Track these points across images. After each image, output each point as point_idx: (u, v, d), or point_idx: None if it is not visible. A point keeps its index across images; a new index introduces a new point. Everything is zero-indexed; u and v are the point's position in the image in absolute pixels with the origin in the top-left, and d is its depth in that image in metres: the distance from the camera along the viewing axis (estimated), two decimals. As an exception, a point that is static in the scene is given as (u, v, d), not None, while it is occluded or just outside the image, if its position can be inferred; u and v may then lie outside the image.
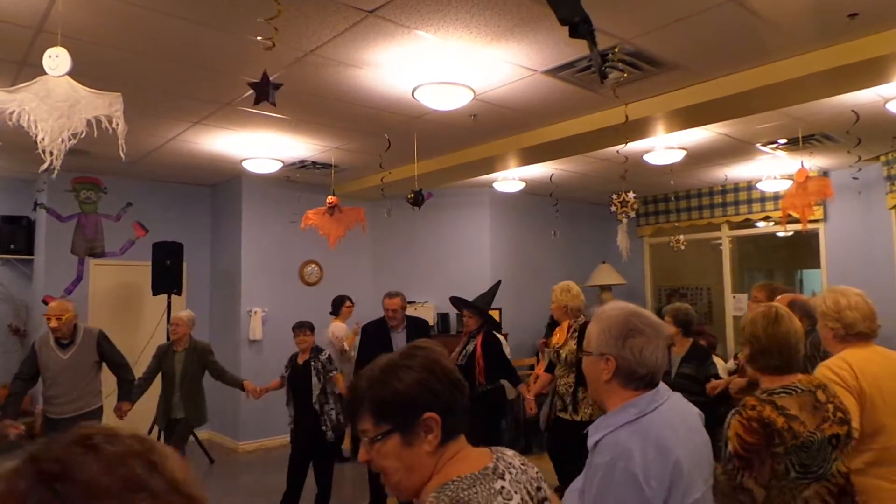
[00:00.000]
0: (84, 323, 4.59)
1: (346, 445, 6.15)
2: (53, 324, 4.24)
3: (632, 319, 1.60)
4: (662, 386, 1.61)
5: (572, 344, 4.34)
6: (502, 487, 1.17)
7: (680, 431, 1.53)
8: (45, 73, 2.59)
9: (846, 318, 2.46)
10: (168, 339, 5.16)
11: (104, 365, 4.56)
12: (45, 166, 2.52)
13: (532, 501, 1.23)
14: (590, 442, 1.55)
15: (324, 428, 4.51)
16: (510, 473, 1.22)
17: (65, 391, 4.29)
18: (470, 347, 4.77)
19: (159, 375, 5.00)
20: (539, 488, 1.29)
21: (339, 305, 6.64)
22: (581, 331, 4.28)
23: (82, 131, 2.52)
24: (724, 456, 1.97)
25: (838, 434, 1.94)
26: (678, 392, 1.76)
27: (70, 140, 2.47)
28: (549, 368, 4.75)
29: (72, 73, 2.62)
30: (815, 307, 2.61)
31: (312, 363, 4.73)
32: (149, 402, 5.20)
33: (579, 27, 2.03)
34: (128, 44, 3.51)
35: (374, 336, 4.97)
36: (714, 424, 2.04)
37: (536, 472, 1.31)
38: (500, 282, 5.78)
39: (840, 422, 1.97)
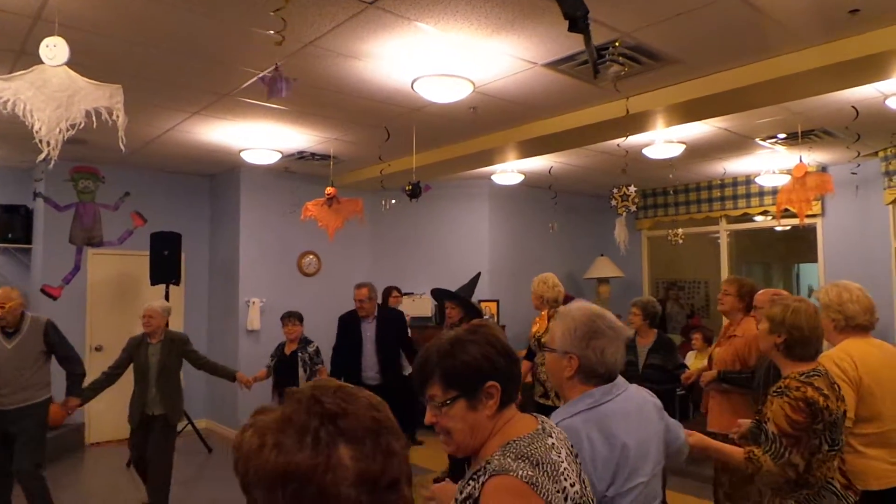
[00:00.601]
0: (32, 312, 4.42)
1: None
2: None
3: (596, 321, 1.72)
4: (620, 379, 1.75)
5: None
6: (553, 444, 1.36)
7: (632, 421, 1.68)
8: (42, 63, 2.58)
9: (848, 311, 2.64)
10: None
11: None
12: (42, 156, 2.52)
13: (571, 454, 1.42)
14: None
15: None
16: (555, 433, 1.41)
17: (8, 381, 4.11)
18: None
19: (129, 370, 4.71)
20: (572, 444, 1.48)
21: (386, 296, 6.64)
22: None
23: (81, 122, 2.51)
24: (763, 438, 2.15)
25: (844, 410, 2.20)
26: (647, 381, 1.83)
27: (68, 131, 2.46)
28: (530, 356, 4.88)
29: (69, 63, 2.61)
30: (818, 299, 2.75)
31: (299, 354, 4.74)
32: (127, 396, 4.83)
33: (580, 22, 2.03)
34: (126, 33, 3.50)
35: (347, 326, 5.23)
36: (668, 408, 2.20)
37: (564, 433, 1.51)
38: (479, 273, 5.90)
39: (843, 399, 2.21)
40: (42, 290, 6.45)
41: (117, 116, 2.58)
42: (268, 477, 0.77)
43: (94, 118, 2.57)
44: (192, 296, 7.63)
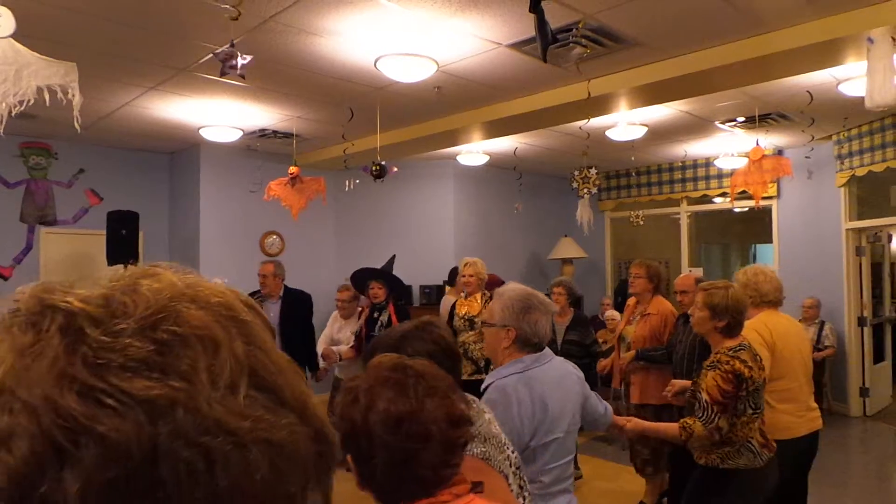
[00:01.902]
0: None
1: None
2: None
3: (530, 298, 2.00)
4: (548, 350, 2.04)
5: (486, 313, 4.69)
6: (489, 418, 1.50)
7: (554, 385, 1.97)
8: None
9: (762, 289, 3.12)
10: None
11: None
12: (-11, 131, 2.42)
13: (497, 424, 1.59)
14: (483, 385, 2.00)
15: None
16: (486, 408, 1.57)
17: None
18: (385, 318, 4.88)
19: None
20: (501, 404, 1.76)
21: (453, 276, 6.50)
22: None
23: (31, 99, 2.41)
24: (696, 407, 2.48)
25: (765, 378, 2.57)
26: (567, 356, 2.36)
27: (17, 107, 2.37)
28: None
29: (15, 35, 2.50)
30: (737, 279, 3.19)
31: None
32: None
33: (538, 4, 2.02)
34: (77, 4, 3.36)
35: None
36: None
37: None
38: (394, 256, 5.91)
39: (762, 368, 2.58)
40: (-8, 271, 6.24)
41: (73, 96, 2.49)
42: (388, 421, 1.06)
43: (46, 96, 2.47)
44: (151, 276, 7.47)
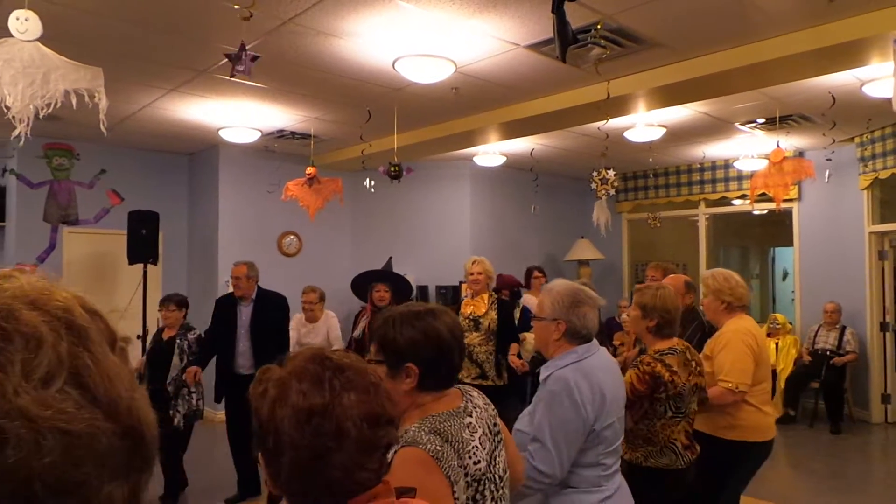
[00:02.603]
0: None
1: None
2: None
3: (578, 293, 2.09)
4: (594, 341, 2.14)
5: (493, 314, 4.67)
6: (469, 423, 1.49)
7: (606, 373, 2.08)
8: (11, 36, 2.52)
9: (737, 293, 3.11)
10: (144, 309, 4.84)
11: None
12: (16, 132, 2.47)
13: (490, 434, 1.55)
14: (542, 376, 2.07)
15: (172, 412, 4.19)
16: (476, 411, 1.54)
17: None
18: None
19: None
20: (495, 423, 1.61)
21: (528, 277, 6.42)
22: (500, 303, 4.77)
23: (58, 101, 2.46)
24: None
25: (698, 383, 2.61)
26: None
27: (45, 109, 2.41)
28: None
29: (41, 38, 2.55)
30: (707, 285, 3.19)
31: (178, 340, 4.36)
32: None
33: (561, 5, 2.02)
34: (100, 7, 3.41)
35: (222, 309, 4.68)
36: None
37: (493, 410, 1.63)
38: (391, 258, 5.85)
39: (699, 374, 2.63)
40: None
41: (99, 100, 2.53)
42: (296, 416, 0.97)
43: (73, 99, 2.51)
44: (170, 275, 7.55)
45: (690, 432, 2.60)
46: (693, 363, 2.60)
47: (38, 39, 2.55)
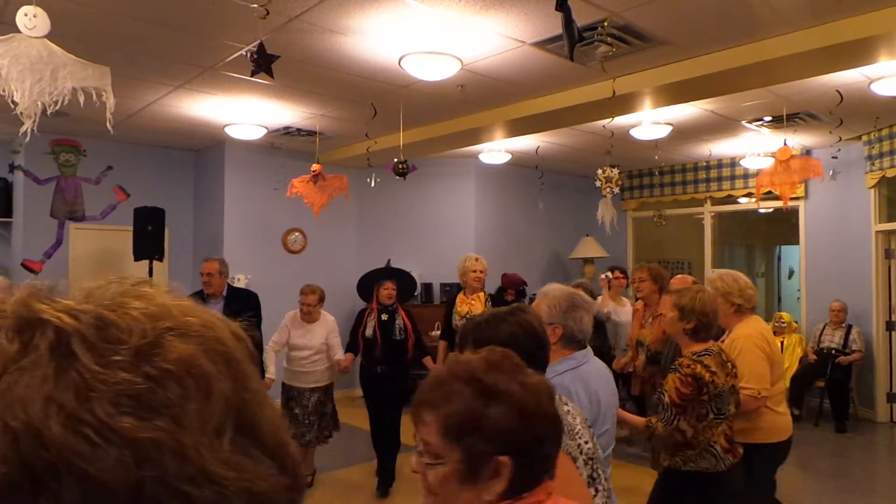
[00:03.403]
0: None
1: None
2: None
3: (574, 297, 2.09)
4: (588, 347, 2.15)
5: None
6: (568, 410, 1.58)
7: (602, 380, 2.09)
8: (19, 32, 2.52)
9: (746, 295, 3.06)
10: None
11: None
12: (24, 128, 2.48)
13: (586, 421, 1.65)
14: None
15: None
16: (570, 404, 1.64)
17: None
18: (400, 322, 4.77)
19: None
20: (585, 418, 1.67)
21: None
22: (493, 300, 4.85)
23: (66, 98, 2.46)
24: (660, 408, 2.53)
25: (734, 385, 2.57)
26: None
27: (52, 106, 2.42)
28: (445, 335, 4.89)
29: (49, 35, 2.55)
30: (715, 287, 3.09)
31: None
32: None
33: (565, 2, 2.01)
34: (107, 3, 3.42)
35: None
36: None
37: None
38: (389, 260, 5.90)
39: (734, 375, 2.59)
40: (23, 265, 6.38)
41: (106, 98, 2.54)
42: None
43: (81, 97, 2.52)
44: (175, 272, 7.57)
45: (731, 435, 2.57)
46: (729, 364, 2.57)
47: (45, 36, 2.56)
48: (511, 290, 6.27)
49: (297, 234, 7.63)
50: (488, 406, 1.03)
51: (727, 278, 3.11)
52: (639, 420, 2.68)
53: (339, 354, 4.85)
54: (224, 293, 4.43)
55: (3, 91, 2.48)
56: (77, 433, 0.33)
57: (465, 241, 7.86)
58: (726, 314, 3.06)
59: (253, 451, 0.38)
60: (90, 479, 0.32)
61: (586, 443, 1.54)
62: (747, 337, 2.95)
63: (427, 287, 7.74)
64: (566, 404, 1.58)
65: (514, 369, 1.11)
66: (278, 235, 7.51)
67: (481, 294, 4.87)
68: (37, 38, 2.53)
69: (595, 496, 1.54)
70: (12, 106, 2.49)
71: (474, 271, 4.81)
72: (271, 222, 7.41)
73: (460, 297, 4.92)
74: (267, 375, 4.58)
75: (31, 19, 2.53)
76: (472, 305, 4.81)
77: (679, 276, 4.24)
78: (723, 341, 3.08)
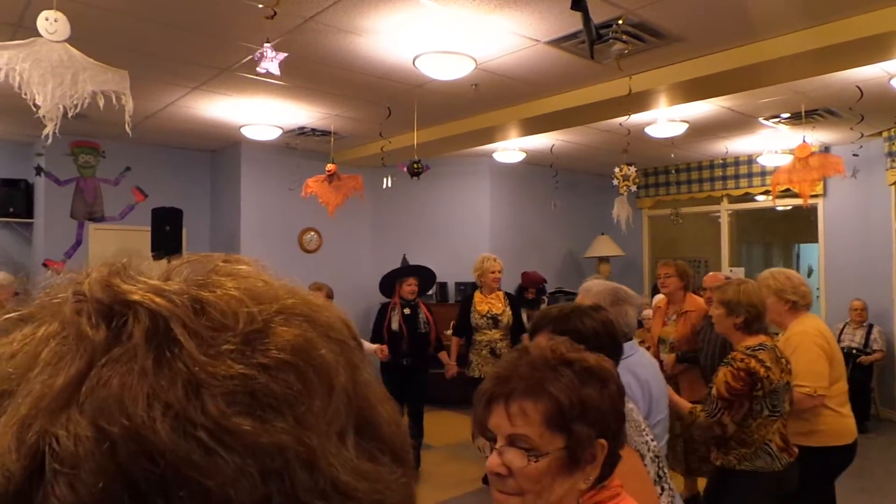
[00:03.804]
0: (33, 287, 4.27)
1: None
2: None
3: (618, 291, 2.12)
4: (634, 339, 2.16)
5: (508, 311, 4.94)
6: (632, 408, 1.57)
7: (651, 369, 2.09)
8: (40, 36, 2.56)
9: (801, 291, 2.98)
10: None
11: None
12: (46, 131, 2.52)
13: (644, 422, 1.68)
14: None
15: None
16: (630, 403, 1.59)
17: None
18: (422, 315, 5.04)
19: None
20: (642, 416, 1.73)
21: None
22: (510, 298, 5.02)
23: (86, 101, 2.50)
24: (707, 399, 2.49)
25: (788, 381, 2.50)
26: None
27: (73, 109, 2.46)
28: (459, 333, 5.08)
29: (68, 38, 2.59)
30: (768, 286, 3.00)
31: None
32: None
33: (582, 1, 2.01)
34: (125, 6, 3.46)
35: None
36: None
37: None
38: (405, 255, 6.01)
39: (789, 371, 2.50)
40: (44, 265, 6.48)
41: (125, 102, 2.58)
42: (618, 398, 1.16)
43: (101, 101, 2.56)
44: (193, 271, 7.64)
45: (785, 433, 2.48)
46: (783, 360, 2.49)
47: (65, 40, 2.60)
48: (532, 289, 6.27)
49: (312, 233, 7.67)
50: (585, 388, 1.01)
51: (779, 276, 3.02)
52: (684, 404, 2.64)
53: (367, 345, 5.01)
54: None
55: (26, 94, 2.52)
56: (189, 437, 0.27)
57: (479, 240, 7.86)
58: (780, 312, 2.97)
59: (379, 455, 0.33)
60: (208, 494, 0.26)
61: (652, 440, 1.56)
62: (803, 334, 2.85)
63: (442, 286, 7.74)
64: (628, 402, 1.57)
65: (583, 352, 1.11)
66: (294, 235, 7.55)
67: (500, 293, 5.00)
68: (57, 42, 2.57)
69: (661, 494, 1.54)
70: (34, 109, 2.53)
71: (493, 272, 4.94)
72: (287, 222, 7.46)
73: (478, 295, 5.01)
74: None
75: (51, 24, 2.57)
76: (492, 304, 4.93)
77: (711, 273, 4.18)
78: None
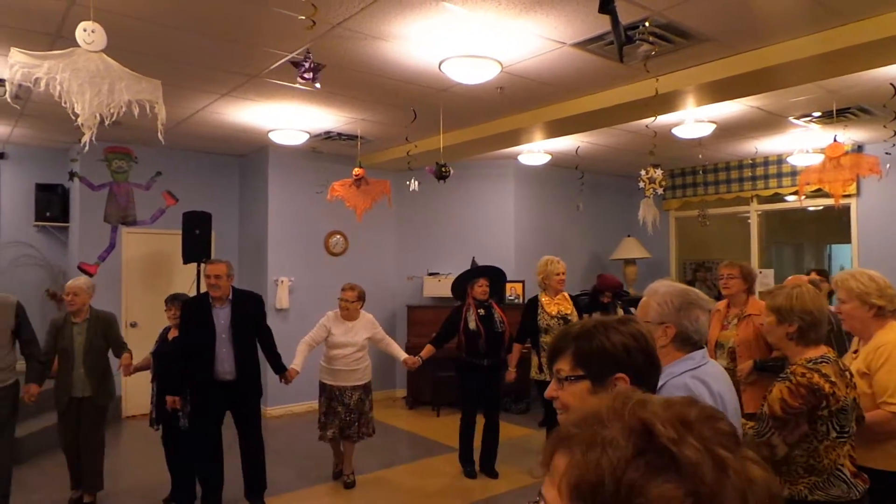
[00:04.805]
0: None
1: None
2: None
3: (688, 293, 1.87)
4: (705, 349, 1.89)
5: (575, 311, 4.99)
6: None
7: (724, 382, 1.82)
8: (78, 47, 2.64)
9: (888, 294, 2.61)
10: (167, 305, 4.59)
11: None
12: (84, 139, 2.59)
13: None
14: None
15: (179, 414, 4.29)
16: None
17: None
18: (497, 315, 5.11)
19: None
20: None
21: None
22: (589, 302, 5.02)
23: (122, 110, 2.57)
24: (758, 415, 2.21)
25: (855, 397, 2.21)
26: None
27: (110, 118, 2.53)
28: (522, 338, 5.09)
29: (105, 48, 2.67)
30: (849, 288, 2.67)
31: None
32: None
33: (610, 4, 2.01)
34: (157, 16, 3.55)
35: (192, 315, 4.32)
36: None
37: None
38: (474, 258, 6.01)
39: (854, 386, 2.23)
40: (79, 268, 6.65)
41: (158, 111, 2.65)
42: None
43: (135, 109, 2.63)
44: (222, 274, 7.77)
45: (855, 457, 2.21)
46: (847, 374, 2.22)
47: (102, 50, 2.67)
48: (608, 293, 6.18)
49: (338, 236, 7.75)
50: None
51: (862, 277, 2.67)
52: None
53: (400, 351, 5.14)
54: (230, 296, 4.31)
55: (65, 103, 2.60)
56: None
57: (504, 242, 7.86)
58: (864, 319, 2.63)
59: None
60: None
61: None
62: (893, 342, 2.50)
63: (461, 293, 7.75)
64: None
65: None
66: (320, 238, 7.64)
67: (565, 294, 5.07)
68: (94, 52, 2.65)
69: None
70: (73, 118, 2.61)
71: (557, 273, 4.99)
72: (313, 225, 7.55)
73: (545, 298, 5.04)
74: (293, 367, 4.66)
75: (89, 34, 2.65)
76: (561, 305, 4.98)
77: (793, 276, 3.93)
78: (856, 352, 2.69)
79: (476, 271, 5.39)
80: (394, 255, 8.18)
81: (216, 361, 4.25)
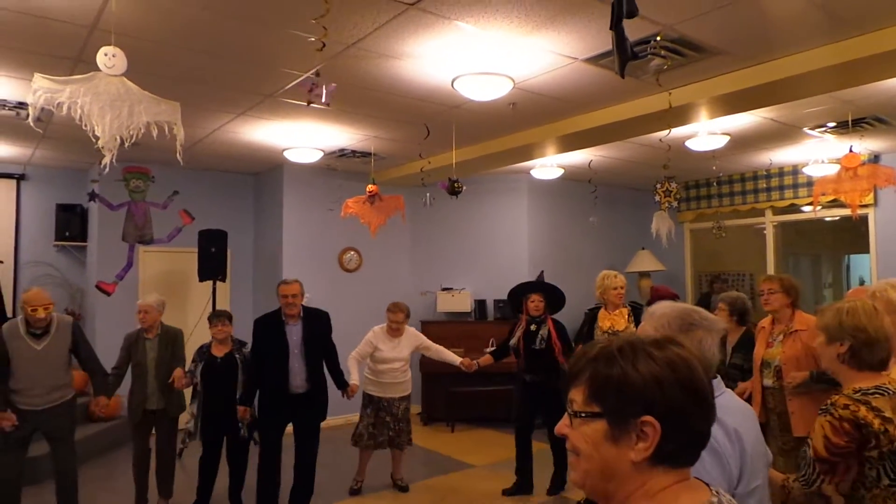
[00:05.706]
0: (56, 312, 4.33)
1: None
2: (41, 314, 4.04)
3: (691, 314, 1.63)
4: (719, 377, 1.60)
5: (632, 327, 4.81)
6: None
7: (741, 417, 1.54)
8: (99, 70, 2.70)
9: None
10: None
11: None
12: (105, 161, 2.64)
13: None
14: None
15: (239, 425, 4.47)
16: None
17: (39, 382, 4.09)
18: (545, 332, 5.01)
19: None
20: None
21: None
22: (635, 313, 4.82)
23: (141, 132, 2.62)
24: (801, 462, 1.90)
25: None
26: (728, 380, 1.73)
27: (130, 140, 2.57)
28: (570, 350, 4.99)
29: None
30: (888, 300, 2.50)
31: (237, 355, 4.54)
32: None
33: (619, 22, 2.02)
34: (175, 39, 3.62)
35: (266, 331, 4.51)
36: None
37: None
38: (542, 271, 5.92)
39: None
40: (97, 286, 6.72)
41: (177, 132, 2.69)
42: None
43: (154, 131, 2.68)
44: (237, 292, 7.83)
45: None
46: None
47: (122, 74, 2.73)
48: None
49: (352, 252, 7.78)
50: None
51: None
52: (777, 476, 1.97)
53: (453, 356, 5.25)
54: (301, 314, 4.56)
55: (86, 126, 2.65)
56: None
57: (518, 257, 7.85)
58: None
59: None
60: None
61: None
62: None
63: (481, 304, 7.75)
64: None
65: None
66: (335, 255, 7.68)
67: (624, 309, 4.99)
68: (115, 76, 2.70)
69: None
70: (94, 140, 2.66)
71: (615, 287, 4.96)
72: (328, 242, 7.59)
73: (602, 312, 5.03)
74: (352, 381, 4.82)
75: (110, 59, 2.71)
76: (614, 320, 4.92)
77: (854, 288, 3.65)
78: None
79: (527, 286, 5.35)
80: (408, 270, 8.19)
81: (290, 374, 4.47)
